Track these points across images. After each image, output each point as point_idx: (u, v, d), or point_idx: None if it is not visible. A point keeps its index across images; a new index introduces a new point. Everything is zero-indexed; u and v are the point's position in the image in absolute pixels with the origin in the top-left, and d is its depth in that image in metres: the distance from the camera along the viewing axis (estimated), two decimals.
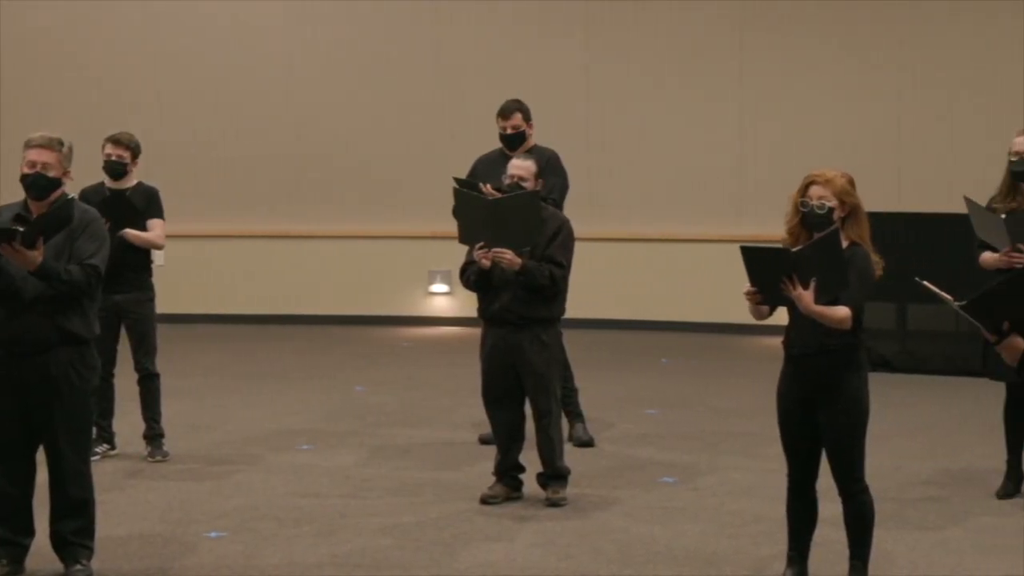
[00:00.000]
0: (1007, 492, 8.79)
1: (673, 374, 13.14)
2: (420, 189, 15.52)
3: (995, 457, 9.19)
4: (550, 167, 9.90)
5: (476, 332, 9.18)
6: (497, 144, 10.16)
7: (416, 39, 15.91)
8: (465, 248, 8.73)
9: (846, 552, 7.01)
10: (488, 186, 9.22)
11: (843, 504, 6.95)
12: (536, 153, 9.86)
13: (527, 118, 10.05)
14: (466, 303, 14.16)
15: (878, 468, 8.84)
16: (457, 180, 9.52)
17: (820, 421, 6.83)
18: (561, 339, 9.01)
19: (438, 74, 15.83)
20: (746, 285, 6.67)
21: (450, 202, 8.71)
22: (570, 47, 15.59)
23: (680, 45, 15.32)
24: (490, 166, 9.96)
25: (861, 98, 14.73)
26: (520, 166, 8.79)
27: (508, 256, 8.46)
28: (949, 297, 5.69)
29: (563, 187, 10.03)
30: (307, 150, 16.06)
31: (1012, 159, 8.70)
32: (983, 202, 8.77)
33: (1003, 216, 8.55)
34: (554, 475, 8.79)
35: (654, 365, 13.59)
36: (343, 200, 16.02)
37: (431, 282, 15.95)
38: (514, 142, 9.99)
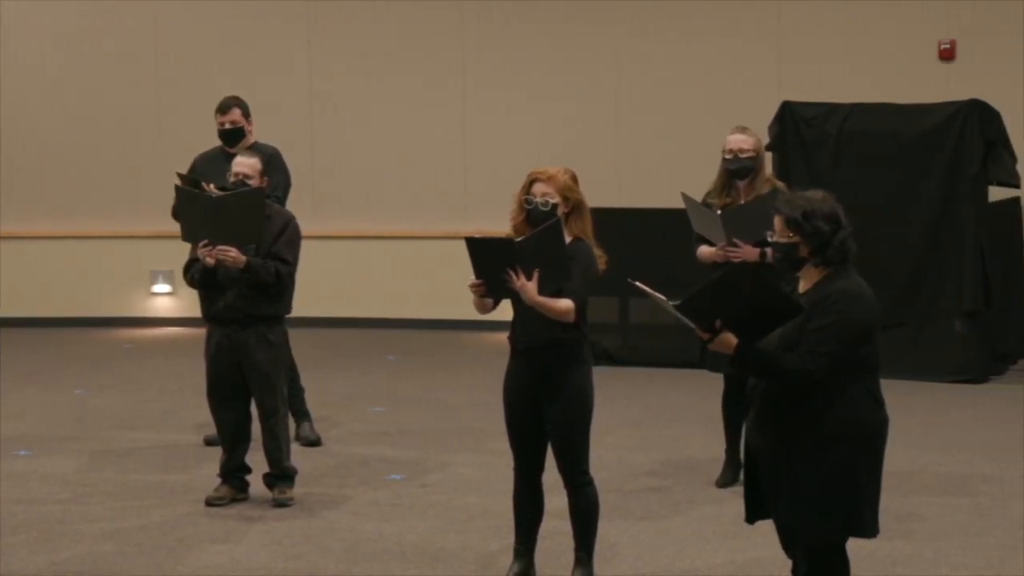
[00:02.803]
0: (726, 481, 8.99)
1: (400, 371, 13.15)
2: (139, 188, 15.23)
3: (714, 447, 9.41)
4: (272, 164, 9.82)
5: (200, 332, 9.06)
6: (216, 142, 10.05)
7: (131, 36, 15.58)
8: (188, 247, 8.59)
9: (572, 544, 7.11)
10: (212, 185, 9.10)
11: (568, 497, 7.03)
12: (257, 150, 9.78)
13: (246, 114, 9.97)
14: (189, 302, 13.92)
15: (602, 460, 8.98)
16: (180, 176, 9.38)
17: (545, 414, 6.91)
18: (287, 338, 8.94)
19: (154, 72, 15.54)
20: (471, 278, 6.71)
21: (170, 201, 8.56)
22: (292, 45, 15.46)
23: (403, 44, 15.31)
24: (209, 164, 9.85)
25: (582, 95, 14.92)
26: (245, 163, 8.70)
27: (232, 254, 8.35)
28: (662, 297, 5.79)
29: (286, 184, 9.97)
30: (22, 149, 15.60)
31: (727, 156, 8.92)
32: (699, 198, 8.98)
33: (719, 212, 8.77)
34: (281, 475, 8.71)
35: (380, 362, 13.58)
36: (60, 200, 15.61)
37: (153, 282, 15.65)
38: (232, 138, 9.90)
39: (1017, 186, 12.56)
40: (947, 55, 13.87)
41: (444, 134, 15.28)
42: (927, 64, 13.90)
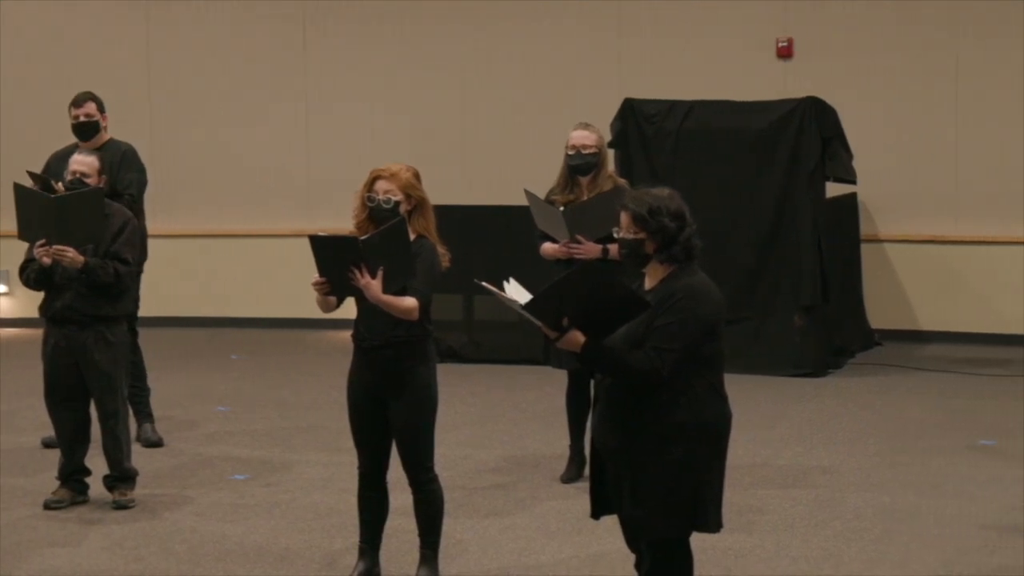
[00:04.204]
0: (571, 476, 9.04)
1: (244, 370, 13.03)
2: None
3: (559, 443, 9.46)
4: (127, 161, 9.73)
5: (38, 332, 8.90)
6: (63, 139, 9.91)
7: None
8: (25, 246, 8.45)
9: (417, 542, 7.11)
10: (61, 184, 8.95)
11: (413, 494, 7.04)
12: (112, 147, 9.67)
13: (101, 109, 9.85)
14: (26, 303, 13.71)
15: (447, 458, 9.00)
16: (32, 175, 9.22)
17: (390, 413, 6.90)
18: (136, 338, 8.84)
19: None
20: (315, 276, 6.69)
21: (7, 201, 8.40)
22: (132, 44, 15.26)
23: (244, 41, 15.19)
24: (63, 162, 9.68)
25: (425, 93, 14.91)
26: (82, 162, 8.58)
27: (70, 254, 8.22)
28: (509, 297, 5.80)
29: (141, 182, 9.85)
30: None
31: (569, 152, 8.96)
32: (542, 194, 9.01)
33: (561, 208, 8.81)
34: (121, 476, 8.60)
35: (224, 361, 13.45)
36: None
37: None
38: (86, 132, 9.77)
39: (854, 182, 12.79)
40: (785, 53, 14.07)
41: (287, 132, 15.18)
42: (765, 62, 14.09)
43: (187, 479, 9.21)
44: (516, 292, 5.85)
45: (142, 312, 9.81)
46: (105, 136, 9.87)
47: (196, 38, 15.24)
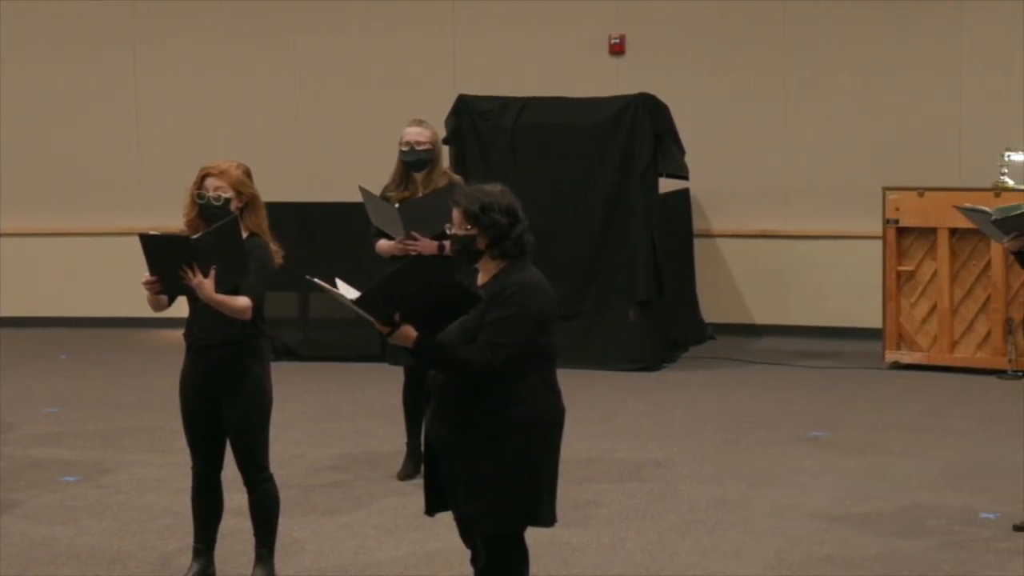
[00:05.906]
0: (408, 473, 9.03)
1: (73, 370, 12.83)
2: None
3: (396, 440, 9.44)
4: None
5: None
6: None
7: None
8: None
9: (253, 541, 7.05)
10: None
11: (248, 494, 6.99)
12: None
13: None
14: None
15: (283, 456, 8.93)
16: None
17: (223, 412, 6.84)
18: None
19: None
20: (145, 275, 6.61)
21: None
22: None
23: (72, 40, 14.95)
24: None
25: (259, 90, 14.80)
26: None
27: None
28: (340, 292, 5.79)
29: None
30: None
31: (403, 149, 8.95)
32: (377, 191, 8.99)
33: (397, 205, 8.79)
34: None
35: (53, 362, 13.23)
36: None
37: None
38: None
39: (686, 178, 12.93)
40: (617, 50, 14.17)
41: (117, 131, 14.98)
42: (598, 59, 14.18)
43: (15, 482, 9.05)
44: (346, 291, 5.83)
45: None
46: None
47: (20, 36, 14.95)
